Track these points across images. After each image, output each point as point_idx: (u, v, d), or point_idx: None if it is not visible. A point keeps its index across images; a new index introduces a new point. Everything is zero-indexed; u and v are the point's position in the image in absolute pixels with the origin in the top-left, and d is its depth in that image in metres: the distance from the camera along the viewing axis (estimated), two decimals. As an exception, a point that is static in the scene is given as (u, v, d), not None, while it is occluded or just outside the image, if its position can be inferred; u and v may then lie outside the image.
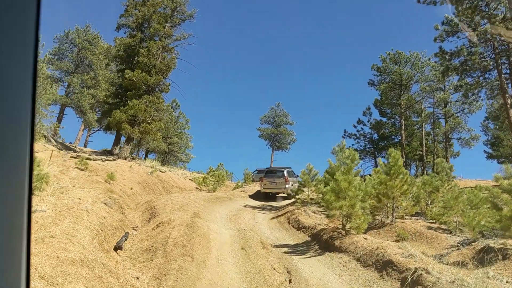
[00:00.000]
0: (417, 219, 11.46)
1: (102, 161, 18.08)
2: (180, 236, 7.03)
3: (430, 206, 12.32)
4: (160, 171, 19.49)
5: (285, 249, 8.39)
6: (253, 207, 16.87)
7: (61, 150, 21.74)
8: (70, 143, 33.38)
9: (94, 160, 17.87)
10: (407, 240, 8.31)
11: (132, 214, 11.57)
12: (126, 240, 7.29)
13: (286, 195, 19.34)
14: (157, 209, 10.84)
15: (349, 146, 33.87)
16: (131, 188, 15.03)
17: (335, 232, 8.30)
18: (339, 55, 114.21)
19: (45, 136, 23.91)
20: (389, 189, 9.95)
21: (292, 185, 19.23)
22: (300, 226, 10.67)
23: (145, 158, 30.69)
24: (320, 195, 15.65)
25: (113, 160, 18.75)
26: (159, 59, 23.20)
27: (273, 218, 14.12)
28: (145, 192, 16.21)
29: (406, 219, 11.03)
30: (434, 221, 10.55)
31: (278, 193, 19.85)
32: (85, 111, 29.84)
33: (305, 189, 16.07)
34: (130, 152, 33.14)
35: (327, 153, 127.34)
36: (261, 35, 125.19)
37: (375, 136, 35.05)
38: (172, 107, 33.79)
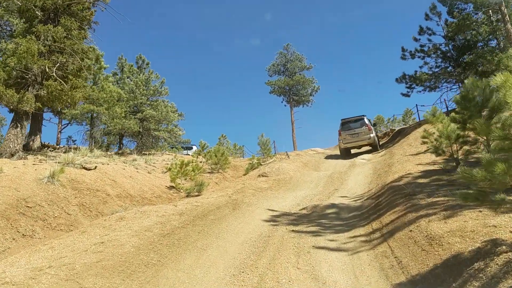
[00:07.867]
0: None
1: None
2: None
3: None
4: (85, 169, 9.29)
5: None
6: (294, 222, 6.50)
7: None
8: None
9: None
10: None
11: None
12: None
13: (371, 147, 17.47)
14: None
15: (415, 73, 22.09)
16: None
17: None
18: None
19: None
20: None
21: (375, 134, 17.74)
22: None
23: (118, 151, 20.52)
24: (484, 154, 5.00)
25: (-30, 163, 8.59)
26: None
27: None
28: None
29: None
30: None
31: (361, 146, 17.48)
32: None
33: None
34: (101, 143, 22.89)
35: (375, 100, 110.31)
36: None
37: (452, 49, 21.95)
38: (138, 66, 23.11)
